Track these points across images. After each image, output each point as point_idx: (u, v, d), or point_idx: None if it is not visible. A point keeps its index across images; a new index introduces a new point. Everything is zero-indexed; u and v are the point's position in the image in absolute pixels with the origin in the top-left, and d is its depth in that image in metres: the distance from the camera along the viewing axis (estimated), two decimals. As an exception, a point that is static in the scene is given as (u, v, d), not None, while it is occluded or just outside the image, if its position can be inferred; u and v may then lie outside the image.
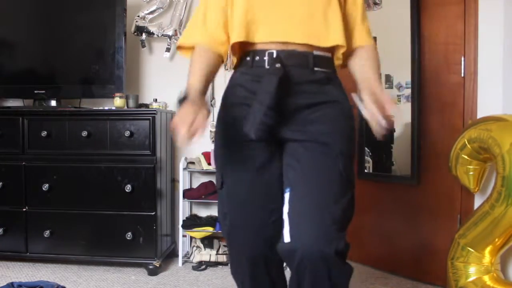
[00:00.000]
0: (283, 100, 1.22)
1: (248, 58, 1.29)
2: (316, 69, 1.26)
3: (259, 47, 1.27)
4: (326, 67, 1.29)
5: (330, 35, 1.25)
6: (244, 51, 1.30)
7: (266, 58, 1.25)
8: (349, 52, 1.35)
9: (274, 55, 1.24)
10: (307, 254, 1.11)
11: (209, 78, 1.32)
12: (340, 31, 1.25)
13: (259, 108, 1.19)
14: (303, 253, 1.12)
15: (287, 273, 1.26)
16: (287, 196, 1.21)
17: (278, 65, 1.22)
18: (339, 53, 1.31)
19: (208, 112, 1.18)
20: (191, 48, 1.36)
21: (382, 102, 1.15)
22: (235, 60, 1.34)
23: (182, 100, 1.20)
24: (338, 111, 1.26)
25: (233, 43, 1.28)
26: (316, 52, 1.25)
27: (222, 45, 1.32)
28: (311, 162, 1.21)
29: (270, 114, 1.19)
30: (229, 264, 1.40)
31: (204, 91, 1.27)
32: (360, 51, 1.35)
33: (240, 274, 1.37)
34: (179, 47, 1.43)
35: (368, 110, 1.15)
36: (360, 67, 1.34)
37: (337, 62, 1.34)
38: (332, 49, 1.30)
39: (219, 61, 1.35)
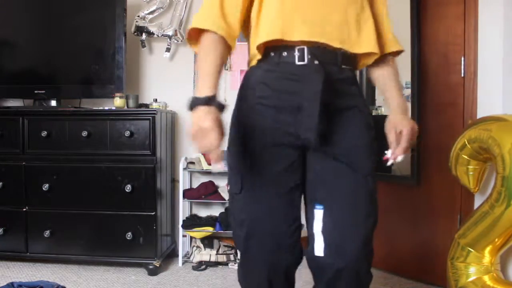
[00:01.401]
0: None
1: (272, 54, 1.21)
2: (343, 66, 1.23)
3: (287, 43, 1.20)
4: (351, 64, 1.27)
5: (363, 42, 1.23)
6: (269, 48, 1.21)
7: (296, 54, 1.19)
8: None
9: (305, 51, 1.18)
10: (345, 270, 1.19)
11: (219, 78, 1.20)
12: (373, 38, 1.24)
13: (312, 109, 1.14)
14: (338, 268, 1.18)
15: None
16: (318, 212, 1.22)
17: (316, 61, 1.18)
18: (370, 60, 1.29)
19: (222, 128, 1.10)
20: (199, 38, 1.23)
21: (402, 144, 1.25)
22: (256, 56, 1.23)
23: (194, 106, 1.11)
24: (362, 121, 1.25)
25: (261, 45, 1.19)
26: (344, 51, 1.22)
27: (235, 40, 1.23)
28: (343, 181, 1.21)
29: (323, 114, 1.15)
30: (238, 271, 1.35)
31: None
32: (386, 61, 1.34)
33: (255, 282, 1.29)
34: (191, 33, 1.24)
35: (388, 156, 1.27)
36: (384, 83, 1.36)
37: (360, 67, 1.34)
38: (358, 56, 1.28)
39: (227, 58, 1.26)
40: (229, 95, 2.94)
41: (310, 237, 1.24)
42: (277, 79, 1.20)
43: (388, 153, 1.28)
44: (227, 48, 1.21)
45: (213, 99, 1.11)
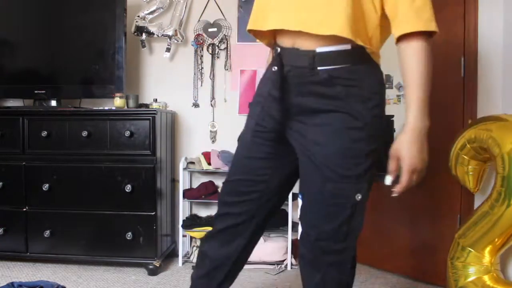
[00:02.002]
0: (287, 101, 1.24)
1: (273, 51, 1.32)
2: (319, 68, 1.15)
3: (278, 41, 1.26)
4: (335, 63, 1.15)
5: (326, 24, 1.11)
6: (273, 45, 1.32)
7: (274, 55, 1.27)
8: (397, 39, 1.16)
9: (278, 53, 1.23)
10: (303, 257, 1.30)
11: None
12: (341, 18, 1.09)
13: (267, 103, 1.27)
14: (301, 254, 1.31)
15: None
16: (300, 201, 1.35)
17: (274, 68, 1.23)
18: (365, 55, 1.17)
19: None
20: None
21: (401, 181, 1.19)
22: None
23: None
24: (341, 125, 1.16)
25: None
26: (320, 49, 1.14)
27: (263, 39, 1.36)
28: (311, 179, 1.24)
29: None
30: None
31: None
32: (401, 46, 1.15)
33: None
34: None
35: (388, 182, 1.20)
36: (403, 77, 1.17)
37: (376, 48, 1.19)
38: (355, 46, 1.15)
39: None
40: (229, 95, 2.95)
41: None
42: (265, 77, 1.33)
43: (387, 180, 1.18)
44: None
45: None
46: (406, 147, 1.13)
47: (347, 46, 1.14)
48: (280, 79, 1.21)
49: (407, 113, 1.14)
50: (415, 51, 1.13)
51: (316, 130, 1.20)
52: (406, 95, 1.15)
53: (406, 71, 1.15)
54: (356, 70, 1.17)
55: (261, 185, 1.32)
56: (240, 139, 1.38)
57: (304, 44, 1.17)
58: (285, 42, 1.21)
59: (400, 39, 1.15)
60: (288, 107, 1.24)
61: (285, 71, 1.21)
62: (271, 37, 1.32)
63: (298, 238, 1.38)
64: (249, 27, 1.30)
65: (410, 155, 1.13)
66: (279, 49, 1.23)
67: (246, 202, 1.33)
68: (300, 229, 1.34)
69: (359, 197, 1.21)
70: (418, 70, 1.12)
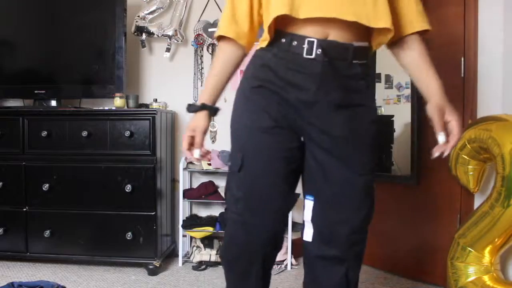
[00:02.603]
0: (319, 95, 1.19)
1: (283, 40, 1.20)
2: (354, 61, 1.19)
3: (298, 31, 1.18)
4: (364, 58, 1.22)
5: (379, 16, 1.16)
6: (280, 33, 1.21)
7: (305, 46, 1.17)
8: (399, 39, 1.27)
9: (315, 44, 1.16)
10: (329, 258, 1.29)
11: (225, 81, 1.33)
12: (388, 13, 1.16)
13: (317, 107, 1.19)
14: (323, 255, 1.29)
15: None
16: (308, 202, 1.29)
17: (326, 58, 1.16)
18: (384, 39, 1.22)
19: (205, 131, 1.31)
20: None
21: (451, 128, 1.21)
22: (267, 39, 1.23)
23: (192, 110, 1.31)
24: (367, 119, 1.25)
25: (272, 20, 1.18)
26: (356, 44, 1.18)
27: (245, 36, 1.28)
28: (334, 176, 1.24)
29: (326, 113, 1.20)
30: (223, 246, 1.41)
31: (214, 101, 1.34)
32: (413, 41, 1.27)
33: (244, 256, 1.33)
34: (218, 39, 1.33)
35: (443, 139, 1.20)
36: (417, 68, 1.29)
37: (376, 48, 1.27)
38: (370, 36, 1.22)
39: (241, 55, 1.32)
40: (229, 95, 2.94)
41: (303, 223, 1.34)
42: (285, 67, 1.20)
43: (441, 138, 1.19)
44: (238, 48, 1.30)
45: (206, 106, 1.30)
46: (447, 104, 1.25)
47: (367, 43, 1.23)
48: (323, 70, 1.17)
49: (436, 83, 1.31)
50: (424, 46, 1.30)
51: (344, 125, 1.22)
52: (429, 76, 1.30)
53: (424, 60, 1.29)
54: (368, 65, 1.26)
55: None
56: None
57: (343, 37, 1.18)
58: (314, 32, 1.17)
59: (408, 35, 1.28)
60: (315, 100, 1.19)
61: (324, 62, 1.17)
62: (273, 23, 1.22)
63: (304, 238, 1.32)
64: (282, 11, 1.14)
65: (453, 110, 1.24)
66: (315, 41, 1.16)
67: None
68: (308, 229, 1.30)
69: (374, 184, 1.30)
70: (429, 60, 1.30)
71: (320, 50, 1.16)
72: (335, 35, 1.17)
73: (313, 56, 1.17)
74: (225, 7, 1.30)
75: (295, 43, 1.18)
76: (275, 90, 1.21)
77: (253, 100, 1.25)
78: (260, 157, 1.25)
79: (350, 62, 1.19)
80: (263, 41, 1.25)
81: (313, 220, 1.29)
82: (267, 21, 1.20)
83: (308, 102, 1.18)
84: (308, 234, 1.30)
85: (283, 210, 1.31)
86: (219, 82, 1.32)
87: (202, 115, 1.31)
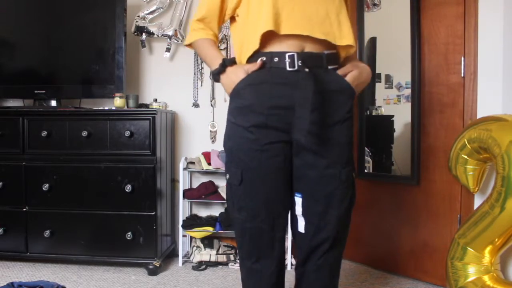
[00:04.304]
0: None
1: (264, 59, 1.34)
2: (329, 67, 1.36)
3: (275, 48, 1.33)
4: (336, 63, 1.39)
5: (343, 35, 1.36)
6: (257, 53, 1.35)
7: (287, 60, 1.31)
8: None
9: (295, 58, 1.31)
10: (323, 243, 1.41)
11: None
12: (351, 32, 1.37)
13: (304, 113, 1.28)
14: (317, 242, 1.42)
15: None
16: (298, 199, 1.41)
17: (306, 69, 1.30)
18: (351, 51, 1.41)
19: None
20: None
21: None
22: (246, 58, 1.38)
23: (221, 70, 1.39)
24: (341, 111, 1.38)
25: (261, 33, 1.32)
26: (327, 52, 1.36)
27: (216, 37, 1.51)
28: (318, 173, 1.36)
29: (313, 118, 1.30)
30: (238, 252, 1.56)
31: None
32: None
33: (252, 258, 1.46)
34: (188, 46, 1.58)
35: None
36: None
37: (345, 55, 1.44)
38: (338, 50, 1.41)
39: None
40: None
41: (294, 217, 1.45)
42: (268, 84, 1.33)
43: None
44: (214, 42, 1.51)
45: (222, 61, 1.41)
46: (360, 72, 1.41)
47: (335, 51, 1.40)
48: (305, 77, 1.30)
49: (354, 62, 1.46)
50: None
51: (324, 123, 1.36)
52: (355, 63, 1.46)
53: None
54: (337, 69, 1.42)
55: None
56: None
57: (316, 49, 1.35)
58: (292, 47, 1.33)
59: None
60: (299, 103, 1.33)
61: (304, 71, 1.31)
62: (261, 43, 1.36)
63: (298, 230, 1.45)
64: (268, 27, 1.29)
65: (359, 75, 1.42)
66: (295, 54, 1.31)
67: None
68: (301, 222, 1.43)
69: (354, 175, 1.43)
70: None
71: (300, 61, 1.31)
72: (309, 48, 1.34)
73: (295, 68, 1.31)
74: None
75: (276, 59, 1.32)
76: (265, 105, 1.33)
77: (243, 119, 1.37)
78: (257, 172, 1.38)
79: (326, 67, 1.36)
80: (242, 60, 1.39)
81: (303, 214, 1.41)
82: (245, 39, 1.37)
83: (297, 111, 1.30)
84: (301, 226, 1.43)
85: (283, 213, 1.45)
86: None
87: (232, 69, 1.39)
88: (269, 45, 1.33)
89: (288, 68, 1.31)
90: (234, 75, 1.36)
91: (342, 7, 1.37)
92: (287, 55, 1.31)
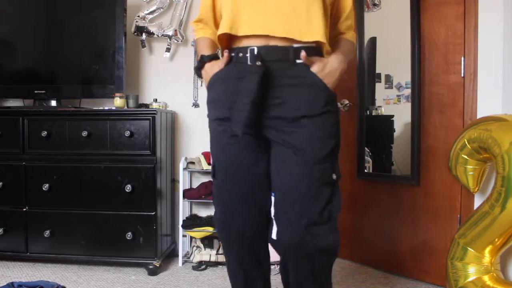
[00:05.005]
0: (266, 95, 1.30)
1: (233, 54, 1.37)
2: (298, 61, 1.31)
3: (243, 43, 1.34)
4: (312, 55, 1.34)
5: (311, 31, 1.30)
6: (231, 48, 1.39)
7: (248, 55, 1.32)
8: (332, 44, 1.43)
9: (255, 52, 1.30)
10: (289, 249, 1.34)
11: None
12: (321, 27, 1.30)
13: (243, 107, 1.27)
14: (285, 248, 1.35)
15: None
16: (273, 199, 1.37)
17: (259, 63, 1.29)
18: (324, 50, 1.37)
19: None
20: None
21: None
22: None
23: (200, 66, 1.44)
24: (317, 106, 1.31)
25: (219, 36, 1.37)
26: (296, 45, 1.31)
27: (215, 36, 1.47)
28: (290, 170, 1.31)
29: (253, 112, 1.27)
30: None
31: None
32: (339, 40, 1.46)
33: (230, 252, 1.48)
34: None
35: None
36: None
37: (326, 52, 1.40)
38: (318, 44, 1.36)
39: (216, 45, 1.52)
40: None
41: (270, 221, 1.43)
42: (234, 79, 1.35)
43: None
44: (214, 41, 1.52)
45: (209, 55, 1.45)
46: (330, 64, 1.35)
47: (312, 44, 1.35)
48: (266, 74, 1.29)
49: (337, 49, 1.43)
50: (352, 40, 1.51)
51: (294, 117, 1.32)
52: (341, 46, 1.45)
53: (346, 48, 1.46)
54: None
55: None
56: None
57: (282, 43, 1.32)
58: (256, 42, 1.32)
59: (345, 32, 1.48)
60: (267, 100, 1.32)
61: (266, 65, 1.30)
62: (225, 40, 1.40)
63: (271, 237, 1.39)
64: (224, 30, 1.33)
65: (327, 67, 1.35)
66: (255, 48, 1.30)
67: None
68: (274, 226, 1.36)
69: (335, 177, 1.33)
70: (351, 50, 1.51)
71: (259, 57, 1.30)
72: (275, 42, 1.32)
73: (257, 63, 1.30)
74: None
75: (241, 54, 1.34)
76: (231, 100, 1.33)
77: (215, 112, 1.42)
78: (226, 167, 1.40)
79: (293, 61, 1.32)
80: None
81: (275, 216, 1.36)
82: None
83: (237, 104, 1.29)
84: (274, 232, 1.37)
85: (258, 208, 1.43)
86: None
87: (209, 65, 1.43)
88: (239, 40, 1.36)
89: (249, 63, 1.32)
90: (210, 70, 1.41)
91: (314, 2, 1.30)
92: (248, 49, 1.32)
